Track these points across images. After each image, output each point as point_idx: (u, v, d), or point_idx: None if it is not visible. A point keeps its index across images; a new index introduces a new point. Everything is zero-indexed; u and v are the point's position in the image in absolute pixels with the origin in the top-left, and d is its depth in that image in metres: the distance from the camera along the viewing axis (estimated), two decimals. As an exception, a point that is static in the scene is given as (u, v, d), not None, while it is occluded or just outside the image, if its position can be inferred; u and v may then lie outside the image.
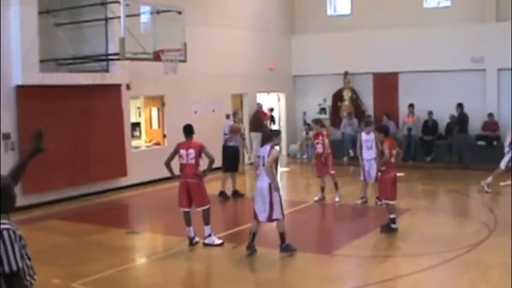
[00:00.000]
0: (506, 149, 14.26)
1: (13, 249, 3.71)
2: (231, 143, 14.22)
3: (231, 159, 14.19)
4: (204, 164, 9.89)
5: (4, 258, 3.69)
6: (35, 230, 11.33)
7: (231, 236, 10.65)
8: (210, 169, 9.96)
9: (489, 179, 14.03)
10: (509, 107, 18.72)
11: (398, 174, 11.01)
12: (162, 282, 8.60)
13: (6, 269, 3.69)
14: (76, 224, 12.09)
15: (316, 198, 13.60)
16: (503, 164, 14.13)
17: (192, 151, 9.76)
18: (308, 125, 21.97)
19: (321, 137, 13.36)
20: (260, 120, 20.26)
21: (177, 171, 10.04)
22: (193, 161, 9.75)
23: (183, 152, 9.84)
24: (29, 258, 3.92)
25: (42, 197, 13.50)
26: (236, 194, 14.37)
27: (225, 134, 14.26)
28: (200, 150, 9.78)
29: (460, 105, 18.85)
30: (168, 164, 9.94)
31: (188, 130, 10.03)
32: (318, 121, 13.99)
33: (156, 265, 9.47)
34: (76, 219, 12.51)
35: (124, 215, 14.10)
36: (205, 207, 9.83)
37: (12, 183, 4.02)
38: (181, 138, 10.25)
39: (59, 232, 11.51)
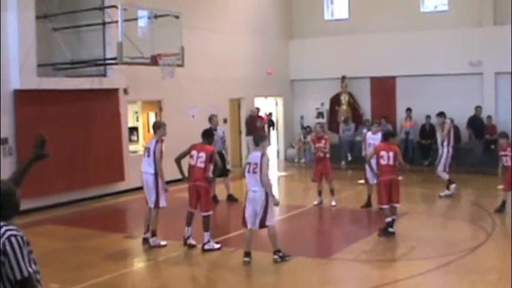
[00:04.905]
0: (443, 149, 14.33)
1: (22, 255, 3.69)
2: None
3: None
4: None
5: (15, 265, 3.65)
6: (32, 235, 11.17)
7: (229, 240, 10.64)
8: (216, 174, 10.16)
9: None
10: (506, 110, 18.77)
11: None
12: (160, 287, 8.58)
13: (18, 275, 3.66)
14: (73, 229, 12.06)
15: (315, 202, 13.60)
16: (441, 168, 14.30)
17: (203, 154, 9.82)
18: (305, 128, 22.00)
19: (323, 141, 13.41)
20: (253, 124, 20.16)
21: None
22: (202, 165, 9.80)
23: (194, 153, 9.90)
24: (35, 263, 3.89)
25: (40, 202, 13.45)
26: (231, 198, 14.32)
27: None
28: (211, 156, 9.84)
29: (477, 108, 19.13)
30: (178, 161, 10.01)
31: (205, 135, 10.13)
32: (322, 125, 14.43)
33: (154, 270, 9.46)
34: (73, 224, 12.48)
35: (122, 219, 14.08)
36: (207, 214, 9.84)
37: (14, 187, 3.97)
38: (179, 142, 10.24)
39: (56, 237, 11.48)
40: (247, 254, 9.04)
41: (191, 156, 9.92)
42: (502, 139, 12.58)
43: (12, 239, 3.68)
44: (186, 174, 10.08)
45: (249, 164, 8.95)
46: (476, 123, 18.96)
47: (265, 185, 8.80)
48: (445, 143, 14.31)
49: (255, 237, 9.26)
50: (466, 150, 18.96)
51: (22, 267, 3.68)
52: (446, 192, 14.36)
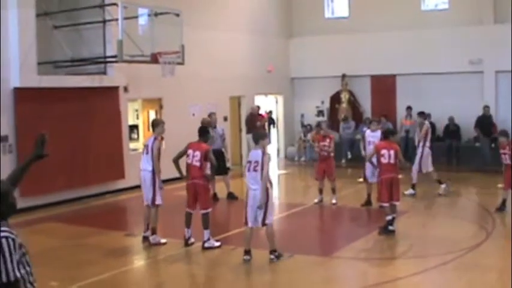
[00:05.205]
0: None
1: (11, 258, 3.62)
2: (213, 147, 13.98)
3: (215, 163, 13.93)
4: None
5: (2, 267, 3.59)
6: (33, 233, 11.31)
7: (229, 238, 10.65)
8: (213, 173, 10.22)
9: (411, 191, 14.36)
10: (507, 109, 18.76)
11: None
12: (160, 285, 8.59)
13: (4, 278, 3.60)
14: (74, 227, 12.07)
15: (316, 200, 13.59)
16: (415, 167, 14.43)
17: (198, 153, 9.84)
18: (306, 127, 22.02)
19: (328, 140, 13.38)
20: (253, 122, 20.13)
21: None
22: (197, 163, 9.82)
23: (190, 152, 9.94)
24: (29, 265, 3.83)
25: (40, 200, 13.48)
26: (231, 196, 14.34)
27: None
28: (206, 154, 9.85)
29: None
30: (176, 161, 10.04)
31: (201, 132, 10.16)
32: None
33: (154, 268, 9.47)
34: (74, 222, 12.49)
35: (122, 217, 14.09)
36: (206, 211, 9.85)
37: (12, 188, 3.94)
38: (180, 140, 10.25)
39: (56, 235, 11.49)
40: (247, 252, 9.04)
41: (187, 155, 9.97)
42: (501, 137, 12.60)
43: (3, 241, 3.61)
44: (185, 173, 10.09)
45: (250, 162, 8.91)
46: (484, 122, 18.88)
47: (266, 182, 8.76)
48: (421, 144, 14.43)
49: (255, 236, 9.27)
50: (475, 149, 18.94)
51: (9, 271, 3.61)
52: (410, 191, 14.33)
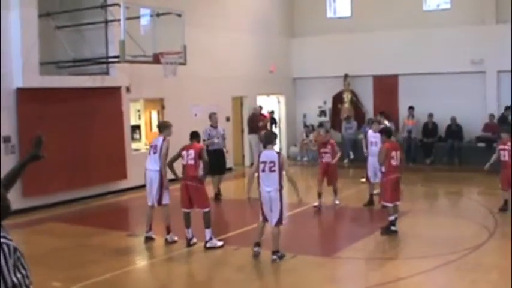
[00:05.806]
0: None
1: (7, 264, 3.56)
2: (214, 147, 14.05)
3: (216, 162, 13.97)
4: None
5: None
6: (35, 233, 11.33)
7: (232, 238, 10.65)
8: (206, 172, 10.20)
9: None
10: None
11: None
12: (163, 285, 8.59)
13: (2, 286, 3.54)
14: (76, 227, 12.08)
15: (315, 204, 13.28)
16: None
17: (192, 152, 9.95)
18: (308, 127, 22.00)
19: (329, 146, 13.12)
20: (255, 122, 20.12)
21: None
22: (192, 162, 9.90)
23: (184, 153, 10.04)
24: (24, 268, 3.73)
25: (42, 200, 13.49)
26: (218, 194, 14.39)
27: (203, 140, 13.88)
28: (200, 152, 9.92)
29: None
30: (170, 165, 10.11)
31: (193, 135, 10.32)
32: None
33: (156, 268, 9.47)
34: (76, 222, 12.50)
35: (124, 217, 14.09)
36: (205, 210, 9.87)
37: (5, 191, 3.81)
38: (181, 140, 10.31)
39: (58, 235, 11.50)
40: (257, 244, 9.05)
41: (182, 157, 10.05)
42: (503, 133, 12.57)
43: None
44: (180, 175, 10.14)
45: (264, 162, 8.82)
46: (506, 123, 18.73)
47: (291, 181, 9.06)
48: None
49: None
50: (477, 149, 18.79)
51: (6, 277, 3.56)
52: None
